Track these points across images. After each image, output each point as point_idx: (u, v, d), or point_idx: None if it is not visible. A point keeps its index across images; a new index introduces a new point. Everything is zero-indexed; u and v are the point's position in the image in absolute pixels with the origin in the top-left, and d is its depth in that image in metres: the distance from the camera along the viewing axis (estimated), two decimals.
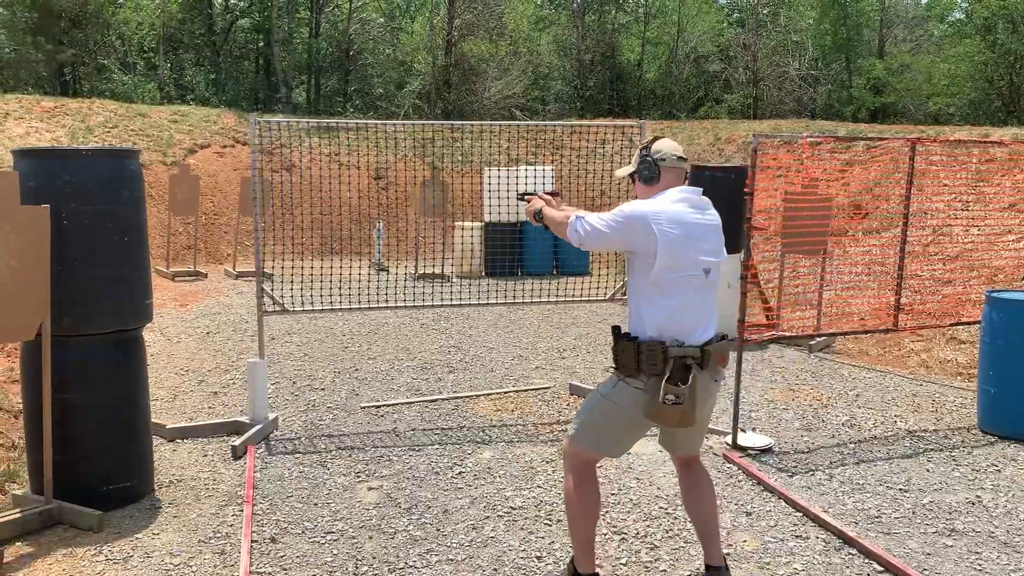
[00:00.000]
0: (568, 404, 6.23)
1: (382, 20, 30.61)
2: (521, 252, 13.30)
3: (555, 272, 13.54)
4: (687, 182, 3.27)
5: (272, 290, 5.73)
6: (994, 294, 5.73)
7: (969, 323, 6.73)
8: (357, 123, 6.92)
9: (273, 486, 4.55)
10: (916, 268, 8.46)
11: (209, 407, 6.08)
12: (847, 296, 8.23)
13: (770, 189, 7.89)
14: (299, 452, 5.11)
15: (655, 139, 3.29)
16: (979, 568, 3.65)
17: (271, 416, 5.53)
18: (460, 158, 18.22)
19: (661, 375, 3.00)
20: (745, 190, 5.04)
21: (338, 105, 28.87)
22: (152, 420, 5.41)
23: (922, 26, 34.49)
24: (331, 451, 5.12)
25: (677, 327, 3.07)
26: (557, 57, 32.81)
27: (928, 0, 36.14)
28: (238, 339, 8.43)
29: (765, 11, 31.35)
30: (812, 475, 4.78)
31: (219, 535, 3.95)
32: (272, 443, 5.27)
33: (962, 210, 9.57)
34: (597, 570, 3.34)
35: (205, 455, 5.04)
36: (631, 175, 3.35)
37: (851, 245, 10.60)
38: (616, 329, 3.17)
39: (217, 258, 14.85)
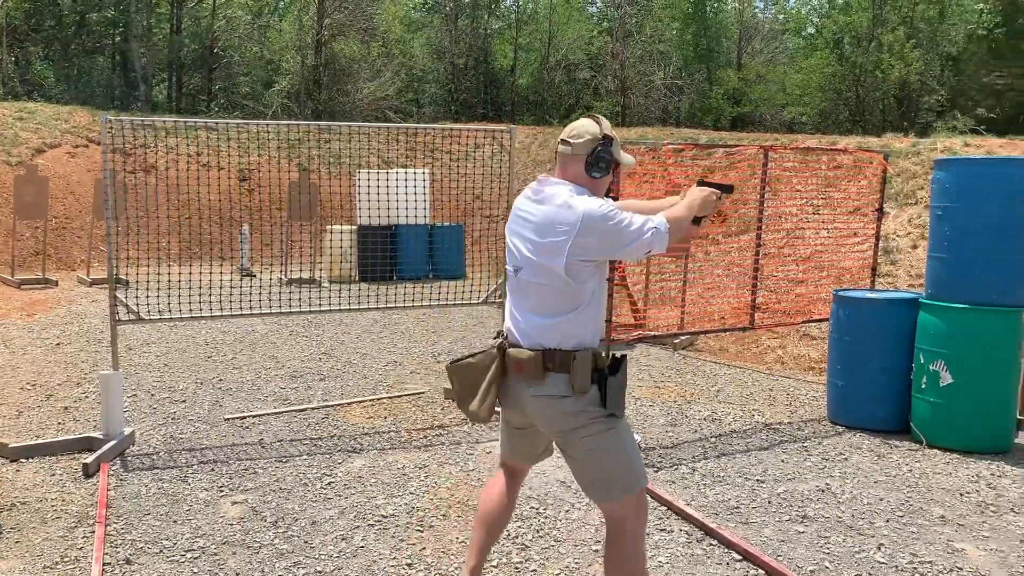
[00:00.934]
0: (442, 409, 6.20)
1: (249, 17, 29.66)
2: (395, 256, 13.17)
3: (430, 276, 13.48)
4: (585, 167, 2.84)
5: (128, 298, 5.44)
6: (840, 293, 6.10)
7: (819, 320, 7.14)
8: (219, 123, 6.67)
9: (129, 504, 4.31)
10: (772, 269, 8.91)
11: (59, 423, 5.71)
12: (708, 296, 8.58)
13: (637, 194, 8.12)
14: (158, 467, 4.86)
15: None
16: (827, 552, 3.87)
17: (127, 431, 5.25)
18: (331, 160, 17.88)
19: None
20: (611, 194, 5.15)
21: (202, 104, 27.78)
22: None
23: (778, 39, 36.45)
24: (192, 465, 4.90)
25: (506, 317, 2.96)
26: (431, 60, 32.75)
27: (780, 13, 38.22)
28: (92, 350, 7.96)
29: (632, 21, 32.32)
30: (676, 469, 4.94)
31: (67, 559, 3.70)
32: (128, 459, 5.00)
33: (813, 214, 10.15)
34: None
35: (53, 474, 4.73)
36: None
37: (712, 247, 11.05)
38: None
39: (69, 264, 13.99)
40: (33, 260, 13.23)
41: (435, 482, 4.68)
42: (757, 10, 37.95)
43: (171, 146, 16.84)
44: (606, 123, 2.91)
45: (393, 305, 7.15)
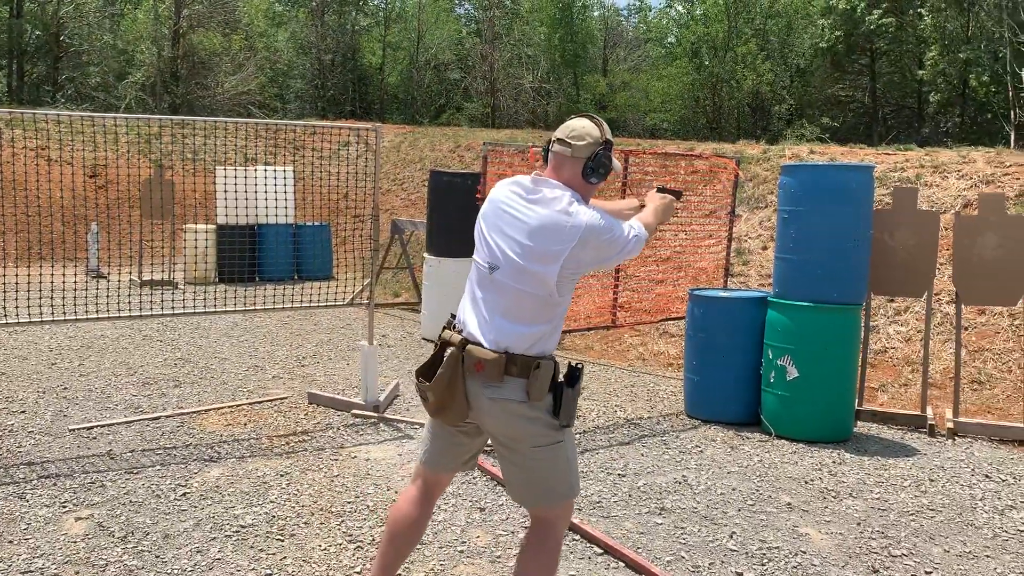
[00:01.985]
0: (306, 414, 6.05)
1: (100, 4, 28.03)
2: (258, 256, 12.75)
3: (296, 277, 13.13)
4: (583, 173, 2.77)
5: None
6: (696, 292, 6.36)
7: (677, 318, 7.43)
8: (58, 114, 6.28)
9: None
10: (634, 270, 9.20)
11: None
12: (574, 296, 8.77)
13: None
14: None
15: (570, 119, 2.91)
16: (683, 542, 4.02)
17: None
18: (189, 156, 17.14)
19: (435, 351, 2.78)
20: (477, 196, 5.18)
21: (47, 95, 26.05)
22: None
23: (641, 47, 37.70)
24: (31, 480, 4.58)
25: (460, 308, 2.82)
26: (296, 55, 31.96)
27: (640, 22, 39.55)
28: None
29: (500, 23, 32.64)
30: None
31: None
32: None
33: (673, 217, 10.55)
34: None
35: None
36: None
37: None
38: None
39: None
40: None
41: (297, 489, 4.55)
42: (621, 18, 39.19)
43: (14, 138, 15.70)
44: (606, 126, 2.79)
45: (254, 307, 6.93)
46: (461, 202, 7.52)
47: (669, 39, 36.85)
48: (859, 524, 4.29)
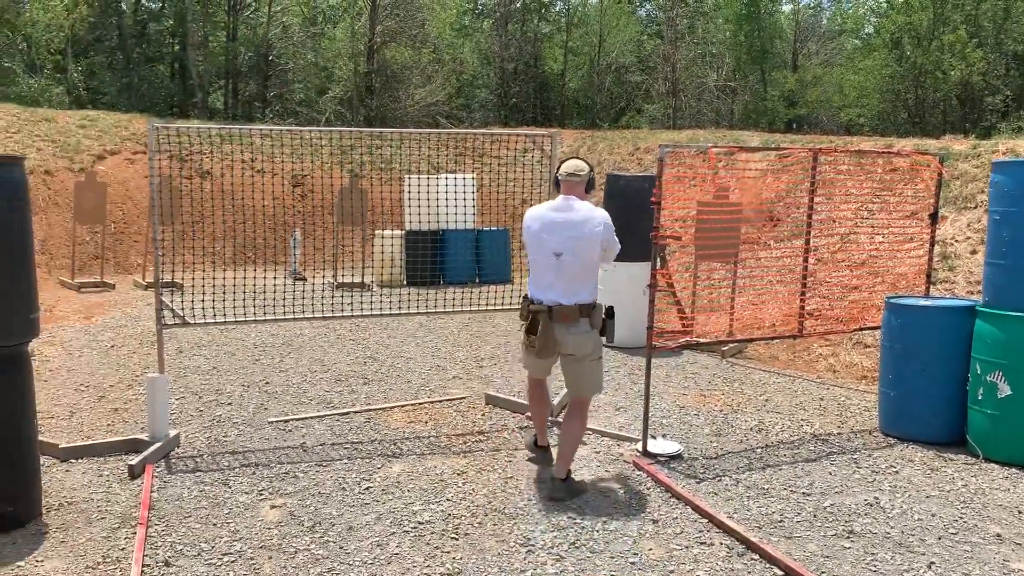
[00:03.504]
0: (483, 414, 6.18)
1: (302, 24, 30.14)
2: (442, 261, 13.21)
3: (477, 281, 13.49)
4: (585, 188, 4.64)
5: (181, 301, 5.54)
6: (892, 300, 5.91)
7: (873, 328, 6.92)
8: (260, 129, 6.75)
9: (171, 506, 4.38)
10: (825, 275, 8.69)
11: (108, 425, 5.83)
12: (759, 303, 8.40)
13: (685, 198, 8.00)
14: (200, 470, 4.93)
15: (565, 159, 4.72)
16: (874, 569, 3.73)
17: (172, 433, 5.33)
18: (381, 166, 18.04)
19: (526, 320, 4.56)
20: (652, 200, 5.08)
21: (257, 111, 28.31)
22: (44, 439, 5.17)
23: (834, 40, 35.75)
24: (234, 468, 4.96)
25: (535, 292, 4.53)
26: (481, 65, 32.88)
27: (835, 14, 37.46)
28: (144, 352, 8.12)
29: (684, 22, 32.01)
30: (719, 481, 4.83)
31: (109, 560, 3.76)
32: (172, 461, 5.08)
33: (867, 218, 9.88)
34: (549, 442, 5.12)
35: (100, 475, 4.82)
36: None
37: (763, 252, 10.84)
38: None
39: (127, 268, 14.34)
40: (92, 264, 13.60)
41: (473, 488, 4.65)
42: (812, 11, 37.30)
43: (226, 152, 17.18)
44: (589, 162, 4.77)
45: (439, 310, 7.16)
46: (638, 205, 7.41)
47: (866, 30, 34.70)
48: None
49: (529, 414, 5.59)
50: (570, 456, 4.62)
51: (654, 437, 5.34)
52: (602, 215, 4.51)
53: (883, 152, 10.88)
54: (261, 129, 6.23)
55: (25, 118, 16.43)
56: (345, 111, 27.39)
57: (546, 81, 33.22)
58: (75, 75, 26.03)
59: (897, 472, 5.02)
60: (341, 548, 3.90)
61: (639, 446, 5.26)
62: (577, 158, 4.68)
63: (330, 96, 27.87)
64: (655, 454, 5.15)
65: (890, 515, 4.35)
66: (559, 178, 4.62)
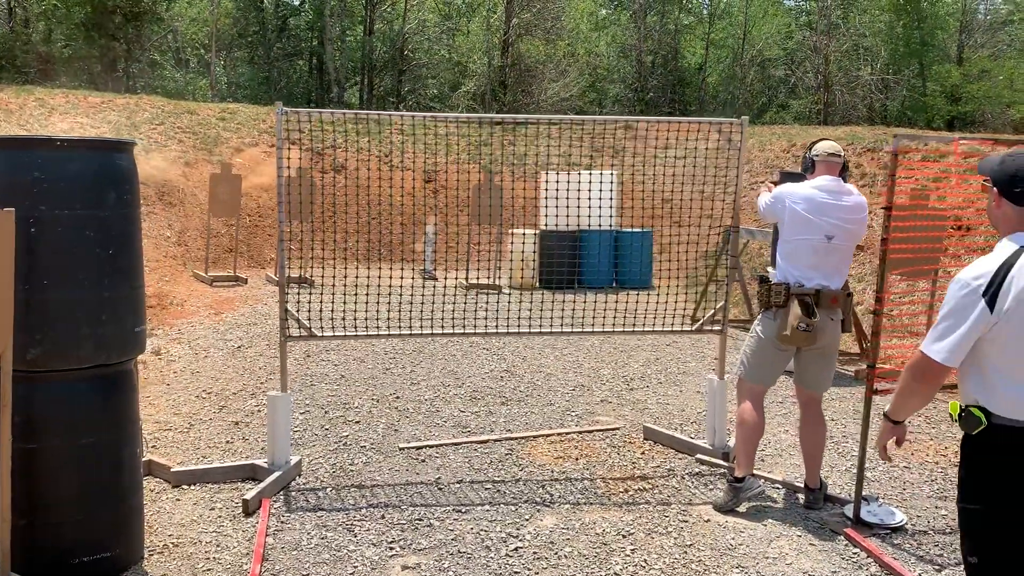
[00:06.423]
0: (643, 452, 5.28)
1: (438, 19, 29.93)
2: (579, 263, 12.36)
3: (615, 285, 12.57)
4: (839, 172, 4.33)
5: (307, 300, 4.91)
6: None
7: None
8: (390, 115, 6.14)
9: (287, 557, 3.71)
10: None
11: (227, 441, 5.29)
12: None
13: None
14: (323, 508, 4.26)
15: (816, 141, 4.41)
16: None
17: (293, 460, 4.71)
18: (515, 162, 17.35)
19: (784, 307, 4.18)
20: (883, 204, 4.07)
21: (391, 106, 28.27)
22: (156, 459, 4.65)
23: (1003, 30, 32.67)
24: (361, 509, 4.26)
25: (799, 274, 4.21)
26: (616, 59, 31.79)
27: (1005, 4, 34.23)
28: (270, 355, 7.65)
29: (837, 12, 29.91)
30: (959, 567, 3.76)
31: None
32: (292, 495, 4.44)
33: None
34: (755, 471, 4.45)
35: (212, 508, 4.23)
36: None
37: (954, 266, 9.44)
38: (761, 277, 4.36)
39: (260, 262, 14.20)
40: (226, 257, 13.49)
41: (644, 560, 3.77)
42: (979, 2, 34.21)
43: (362, 146, 16.90)
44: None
45: (616, 330, 6.30)
46: None
47: None
48: None
49: (728, 453, 4.90)
50: (821, 461, 4.45)
51: (866, 500, 4.28)
52: (865, 202, 4.30)
53: None
54: (391, 115, 5.59)
55: (169, 110, 16.64)
56: (478, 106, 26.96)
57: (684, 75, 31.82)
58: (218, 69, 26.67)
59: None
60: None
61: (849, 510, 4.23)
62: (826, 140, 4.40)
63: (463, 91, 27.50)
64: (871, 524, 4.11)
65: None
66: (814, 159, 4.34)
